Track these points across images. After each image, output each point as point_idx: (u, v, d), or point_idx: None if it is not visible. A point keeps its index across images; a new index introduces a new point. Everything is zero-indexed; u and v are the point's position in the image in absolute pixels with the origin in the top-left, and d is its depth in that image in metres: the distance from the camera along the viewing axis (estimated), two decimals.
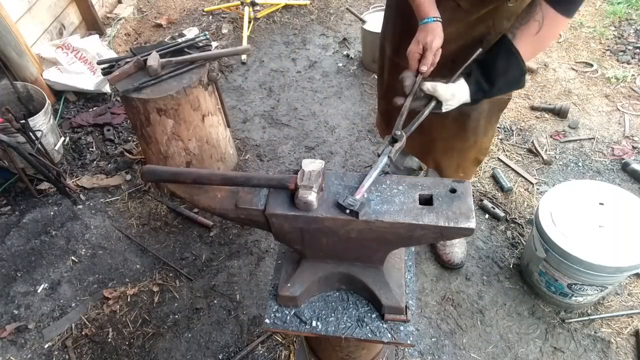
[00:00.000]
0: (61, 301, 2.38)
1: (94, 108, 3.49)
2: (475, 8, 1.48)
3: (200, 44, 2.60)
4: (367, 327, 1.25)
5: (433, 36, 1.37)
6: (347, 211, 1.03)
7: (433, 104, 1.37)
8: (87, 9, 3.96)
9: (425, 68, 1.38)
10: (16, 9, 3.21)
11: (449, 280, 2.37)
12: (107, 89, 3.55)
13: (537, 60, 3.72)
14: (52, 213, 2.77)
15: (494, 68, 1.36)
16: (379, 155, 1.19)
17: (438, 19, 1.40)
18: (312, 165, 1.07)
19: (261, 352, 2.15)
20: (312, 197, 1.01)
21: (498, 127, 3.17)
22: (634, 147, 2.97)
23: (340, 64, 3.86)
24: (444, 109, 1.38)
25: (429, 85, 1.35)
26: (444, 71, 1.44)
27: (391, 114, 2.00)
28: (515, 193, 2.75)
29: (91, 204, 2.84)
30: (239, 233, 2.65)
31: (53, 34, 3.65)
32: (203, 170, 1.14)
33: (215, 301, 2.35)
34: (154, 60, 2.38)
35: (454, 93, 1.36)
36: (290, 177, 1.06)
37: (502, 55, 1.34)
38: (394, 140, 1.22)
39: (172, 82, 2.39)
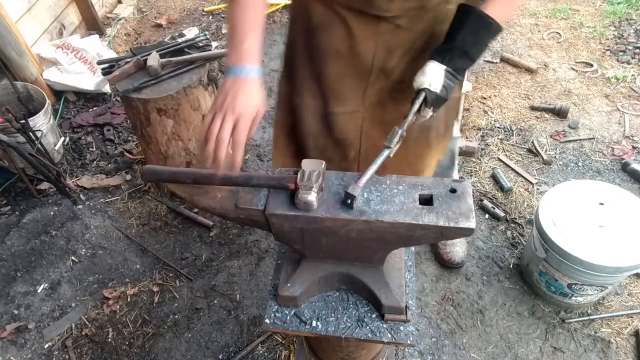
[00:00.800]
0: (61, 301, 2.38)
1: (94, 108, 3.49)
2: (415, 23, 1.34)
3: (200, 44, 2.61)
4: (367, 327, 1.25)
5: (251, 102, 1.07)
6: (348, 201, 1.02)
7: (420, 96, 1.22)
8: (87, 9, 3.96)
9: (237, 165, 1.06)
10: (16, 9, 3.21)
11: (449, 280, 2.37)
12: (107, 89, 3.55)
13: (537, 60, 3.72)
14: (52, 213, 2.77)
15: (454, 28, 1.20)
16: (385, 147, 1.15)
17: (260, 69, 1.11)
18: (312, 165, 1.07)
19: (261, 352, 2.15)
20: (312, 197, 1.01)
21: (498, 127, 3.17)
22: (634, 147, 2.98)
23: None
24: (435, 90, 1.21)
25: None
26: (395, 94, 1.37)
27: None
28: (515, 193, 2.75)
29: (91, 204, 2.84)
30: (239, 233, 2.65)
31: (53, 34, 3.65)
32: (203, 170, 1.12)
33: (215, 301, 2.35)
34: (154, 60, 2.38)
35: (427, 76, 1.21)
36: (290, 177, 1.06)
37: (454, 16, 1.20)
38: (388, 147, 1.17)
39: (172, 82, 2.39)
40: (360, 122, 1.58)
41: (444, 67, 1.19)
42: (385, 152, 1.15)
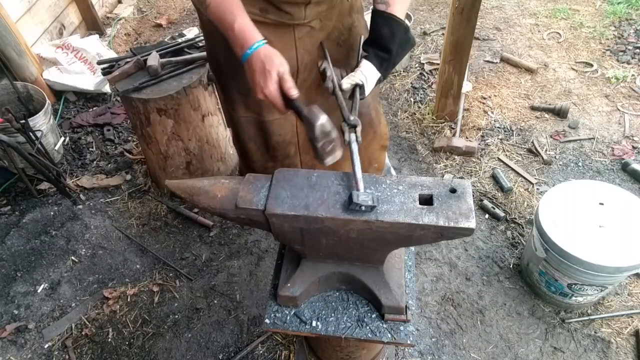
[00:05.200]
0: (61, 301, 2.38)
1: (94, 108, 3.49)
2: (325, 21, 1.52)
3: (200, 44, 2.61)
4: (367, 327, 1.25)
5: (275, 61, 1.21)
6: (362, 207, 1.03)
7: (357, 91, 1.38)
8: (87, 9, 3.97)
9: (296, 92, 1.23)
10: (16, 9, 3.21)
11: (449, 280, 2.37)
12: (107, 89, 3.55)
13: (537, 60, 3.72)
14: (52, 213, 2.77)
15: (382, 37, 1.37)
16: (349, 144, 1.22)
17: (265, 40, 1.26)
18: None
19: (261, 352, 2.15)
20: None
21: (498, 127, 3.17)
22: (634, 147, 2.97)
23: None
24: (367, 92, 1.39)
25: (346, 85, 1.35)
26: (321, 89, 1.48)
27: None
28: (515, 193, 2.75)
29: (91, 204, 2.84)
30: (239, 233, 2.65)
31: (53, 34, 3.65)
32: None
33: (215, 301, 2.35)
34: (154, 60, 2.38)
35: (367, 76, 1.37)
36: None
37: (383, 24, 1.37)
38: (353, 126, 1.25)
39: (172, 82, 2.39)
40: (294, 122, 1.71)
41: (379, 74, 1.39)
42: (356, 146, 1.21)
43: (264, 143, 1.81)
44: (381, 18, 1.37)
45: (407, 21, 1.43)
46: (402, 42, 1.40)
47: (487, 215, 2.65)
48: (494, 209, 2.63)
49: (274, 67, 1.20)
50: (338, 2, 1.52)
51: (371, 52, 1.39)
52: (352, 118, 1.26)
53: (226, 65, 1.63)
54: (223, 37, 1.30)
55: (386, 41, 1.37)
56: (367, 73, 1.37)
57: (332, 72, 1.39)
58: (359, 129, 1.25)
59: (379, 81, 1.42)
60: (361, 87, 1.37)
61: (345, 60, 1.63)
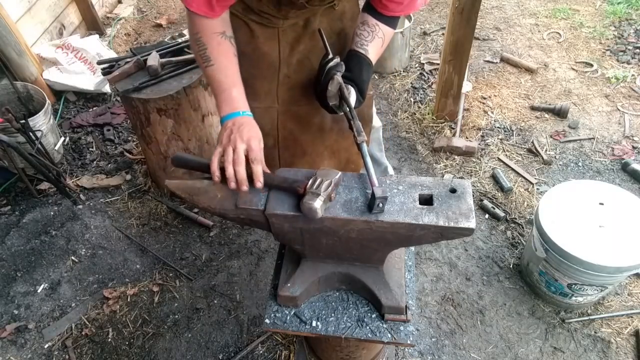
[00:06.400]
0: (61, 301, 2.38)
1: (94, 108, 3.49)
2: (310, 22, 1.52)
3: None
4: (367, 327, 1.25)
5: (246, 133, 1.15)
6: (379, 205, 1.03)
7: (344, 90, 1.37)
8: (87, 9, 3.97)
9: (259, 183, 1.10)
10: (16, 9, 3.21)
11: (449, 280, 2.37)
12: (107, 89, 3.55)
13: (537, 60, 3.72)
14: (52, 213, 2.77)
15: (363, 80, 1.40)
16: (358, 145, 1.22)
17: (249, 112, 1.24)
18: (326, 174, 1.09)
19: (261, 352, 2.15)
20: (316, 204, 1.01)
21: (498, 127, 3.17)
22: (634, 147, 2.97)
23: None
24: (351, 105, 1.37)
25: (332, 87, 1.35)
26: (305, 90, 1.52)
27: None
28: (515, 193, 2.75)
29: (91, 204, 2.84)
30: (239, 233, 2.65)
31: (53, 34, 3.65)
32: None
33: (215, 301, 2.35)
34: (154, 60, 2.38)
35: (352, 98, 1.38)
36: (302, 182, 1.08)
37: (365, 68, 1.40)
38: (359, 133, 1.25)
39: (172, 82, 2.39)
40: (275, 116, 1.68)
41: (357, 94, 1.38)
42: (364, 147, 1.21)
43: None
44: (365, 62, 1.40)
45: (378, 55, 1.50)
46: (370, 75, 1.46)
47: (487, 215, 2.65)
48: (494, 209, 2.63)
49: (250, 132, 1.16)
50: (322, 10, 1.51)
51: (352, 79, 1.40)
52: (362, 135, 1.25)
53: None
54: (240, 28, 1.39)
55: (365, 85, 1.41)
56: (352, 93, 1.38)
57: (345, 88, 1.35)
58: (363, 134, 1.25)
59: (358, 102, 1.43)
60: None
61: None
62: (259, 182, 1.09)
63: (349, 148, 1.90)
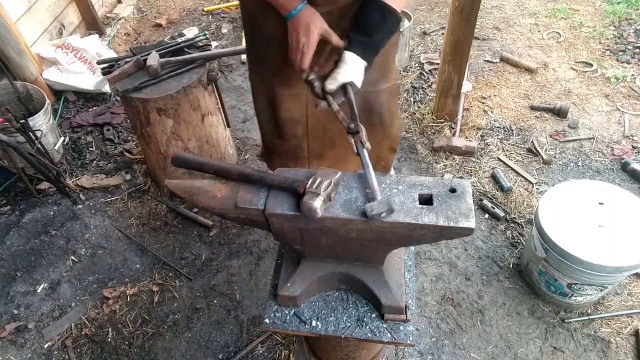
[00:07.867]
0: (61, 301, 2.38)
1: (94, 108, 3.49)
2: (342, 9, 1.49)
3: (200, 44, 2.60)
4: (367, 327, 1.25)
5: (311, 28, 1.32)
6: (383, 214, 1.03)
7: (350, 89, 1.36)
8: (87, 9, 3.97)
9: (310, 67, 1.32)
10: (16, 9, 3.21)
11: (449, 280, 2.37)
12: (107, 89, 3.55)
13: (537, 60, 3.72)
14: (52, 213, 2.77)
15: (371, 24, 1.38)
16: (358, 154, 1.22)
17: (305, 2, 1.33)
18: (326, 174, 1.09)
19: (261, 352, 2.14)
20: (316, 204, 1.01)
21: (498, 127, 3.17)
22: (634, 147, 2.97)
23: None
24: (358, 85, 1.38)
25: (332, 86, 1.34)
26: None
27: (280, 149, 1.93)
28: (515, 193, 2.75)
29: (91, 204, 2.84)
30: (239, 233, 2.65)
31: (53, 34, 3.65)
32: (225, 164, 1.21)
33: (215, 301, 2.35)
34: (154, 60, 2.38)
35: (351, 69, 1.35)
36: (302, 182, 1.08)
37: (375, 11, 1.38)
38: (356, 132, 1.26)
39: (172, 82, 2.39)
40: (305, 103, 1.69)
41: (364, 63, 1.36)
42: (366, 153, 1.21)
43: (273, 118, 1.80)
44: (374, 5, 1.37)
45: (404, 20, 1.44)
46: (389, 31, 1.42)
47: (487, 215, 2.65)
48: (494, 209, 2.63)
49: (317, 26, 1.31)
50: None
51: (353, 39, 1.37)
52: (352, 126, 1.25)
53: (248, 32, 1.67)
54: (246, 7, 1.41)
55: (373, 27, 1.37)
56: (351, 66, 1.34)
57: (319, 82, 1.36)
58: (363, 133, 1.24)
59: (366, 70, 1.39)
60: (351, 87, 1.35)
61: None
62: (305, 64, 1.32)
63: (380, 143, 1.88)
